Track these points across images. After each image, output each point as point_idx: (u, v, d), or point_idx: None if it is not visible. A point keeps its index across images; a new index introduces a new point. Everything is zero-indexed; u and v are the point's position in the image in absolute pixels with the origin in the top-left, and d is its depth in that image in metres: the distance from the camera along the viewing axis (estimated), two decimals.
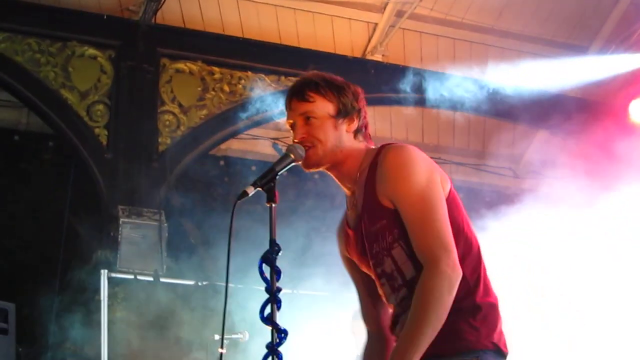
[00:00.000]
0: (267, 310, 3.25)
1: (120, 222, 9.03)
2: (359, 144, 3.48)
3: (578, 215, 9.06)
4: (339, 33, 10.82)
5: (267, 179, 3.34)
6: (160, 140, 9.67)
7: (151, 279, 9.01)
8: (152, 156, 9.56)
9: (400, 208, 3.25)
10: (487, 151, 12.08)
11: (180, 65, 9.99)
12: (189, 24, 10.31)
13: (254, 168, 10.77)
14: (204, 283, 9.27)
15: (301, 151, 3.41)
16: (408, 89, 10.08)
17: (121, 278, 8.89)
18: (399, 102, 10.54)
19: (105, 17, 9.79)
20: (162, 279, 9.06)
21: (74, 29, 9.68)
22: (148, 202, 9.34)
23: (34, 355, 8.98)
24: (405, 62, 10.77)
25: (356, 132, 3.48)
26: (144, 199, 9.35)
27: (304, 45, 10.58)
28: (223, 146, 10.83)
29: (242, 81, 10.13)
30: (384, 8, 10.57)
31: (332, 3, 10.59)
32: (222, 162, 11.34)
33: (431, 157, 3.39)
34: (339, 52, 10.76)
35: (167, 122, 9.72)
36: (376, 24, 10.77)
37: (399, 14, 10.55)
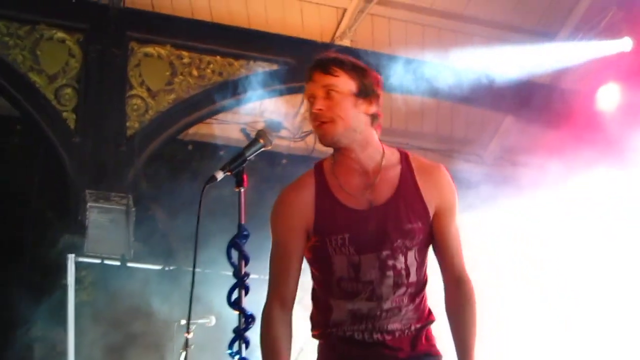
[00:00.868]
0: (235, 295, 3.26)
1: (88, 206, 9.00)
2: (375, 135, 3.55)
3: (546, 199, 9.20)
4: (308, 18, 10.80)
5: (237, 163, 3.36)
6: (128, 124, 9.61)
7: (118, 263, 9.00)
8: (121, 140, 9.51)
9: (447, 222, 3.55)
10: (454, 136, 12.14)
11: (149, 49, 9.92)
12: (158, 8, 10.26)
13: (222, 152, 10.73)
14: (171, 268, 9.26)
15: (271, 136, 3.43)
16: None
17: (88, 262, 8.86)
18: None
19: (74, 0, 9.72)
20: (129, 264, 9.05)
21: (43, 12, 9.59)
22: (116, 186, 9.30)
23: None
24: (374, 48, 10.73)
25: (372, 117, 3.52)
26: (111, 183, 9.30)
27: (273, 29, 10.53)
28: (191, 130, 10.78)
29: (211, 65, 10.09)
30: None
31: None
32: (190, 147, 11.31)
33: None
34: (308, 37, 10.71)
35: (136, 107, 9.67)
36: (345, 9, 10.76)
37: (368, 0, 10.55)
